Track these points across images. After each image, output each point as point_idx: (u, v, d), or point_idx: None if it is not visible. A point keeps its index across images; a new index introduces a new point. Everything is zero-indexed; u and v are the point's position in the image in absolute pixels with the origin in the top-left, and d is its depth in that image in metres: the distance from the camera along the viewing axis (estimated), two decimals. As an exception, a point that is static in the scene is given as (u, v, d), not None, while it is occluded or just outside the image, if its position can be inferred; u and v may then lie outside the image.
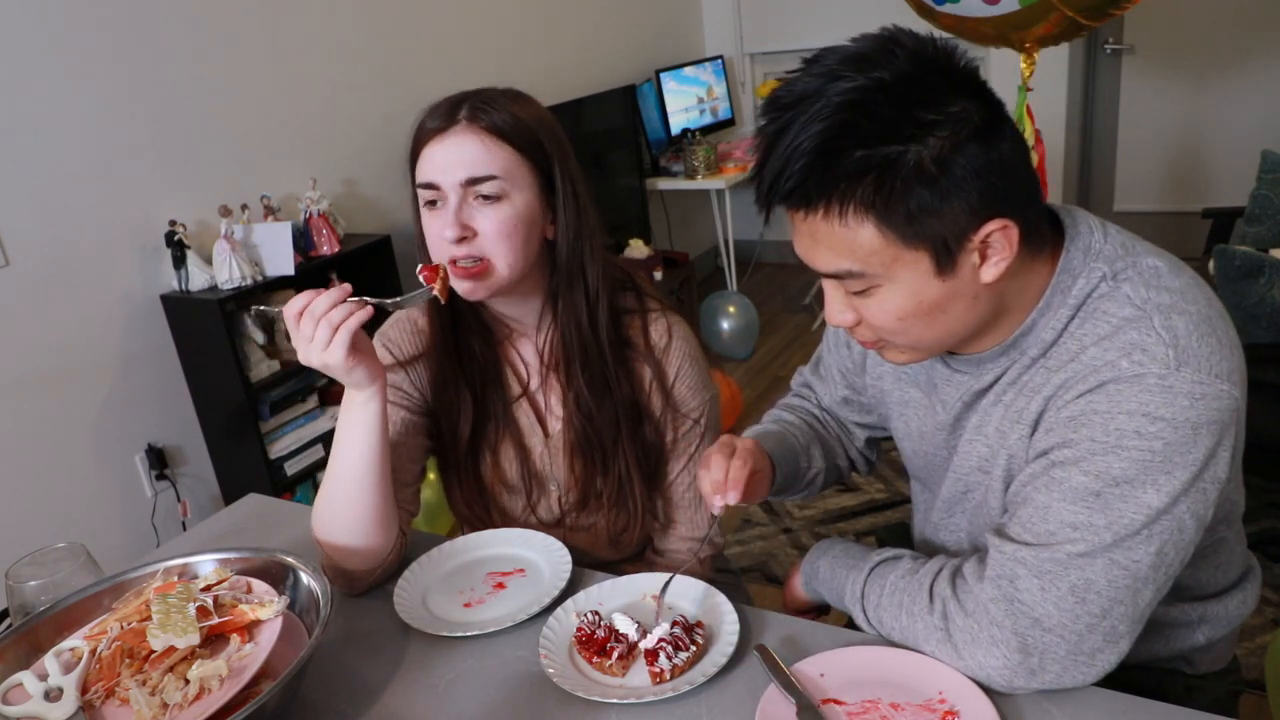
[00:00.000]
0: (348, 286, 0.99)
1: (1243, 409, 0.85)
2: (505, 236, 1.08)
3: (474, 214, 1.07)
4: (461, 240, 1.06)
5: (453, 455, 1.24)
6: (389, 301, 1.04)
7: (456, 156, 1.06)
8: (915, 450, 1.10)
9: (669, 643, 0.94)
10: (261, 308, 1.19)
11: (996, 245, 0.81)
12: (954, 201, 0.77)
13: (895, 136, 0.76)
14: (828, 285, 0.88)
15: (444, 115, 1.08)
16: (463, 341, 1.20)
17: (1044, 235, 0.88)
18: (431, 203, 1.08)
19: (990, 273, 0.82)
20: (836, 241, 0.80)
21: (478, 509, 1.27)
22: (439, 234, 1.07)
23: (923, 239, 0.79)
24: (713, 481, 1.00)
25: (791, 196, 0.80)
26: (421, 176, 1.08)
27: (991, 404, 0.95)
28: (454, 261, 1.07)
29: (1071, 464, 0.82)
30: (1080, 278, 0.87)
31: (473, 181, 1.06)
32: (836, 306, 0.88)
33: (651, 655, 0.94)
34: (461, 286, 1.09)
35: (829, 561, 1.05)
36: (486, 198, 1.07)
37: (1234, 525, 1.01)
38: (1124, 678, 1.05)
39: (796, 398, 1.31)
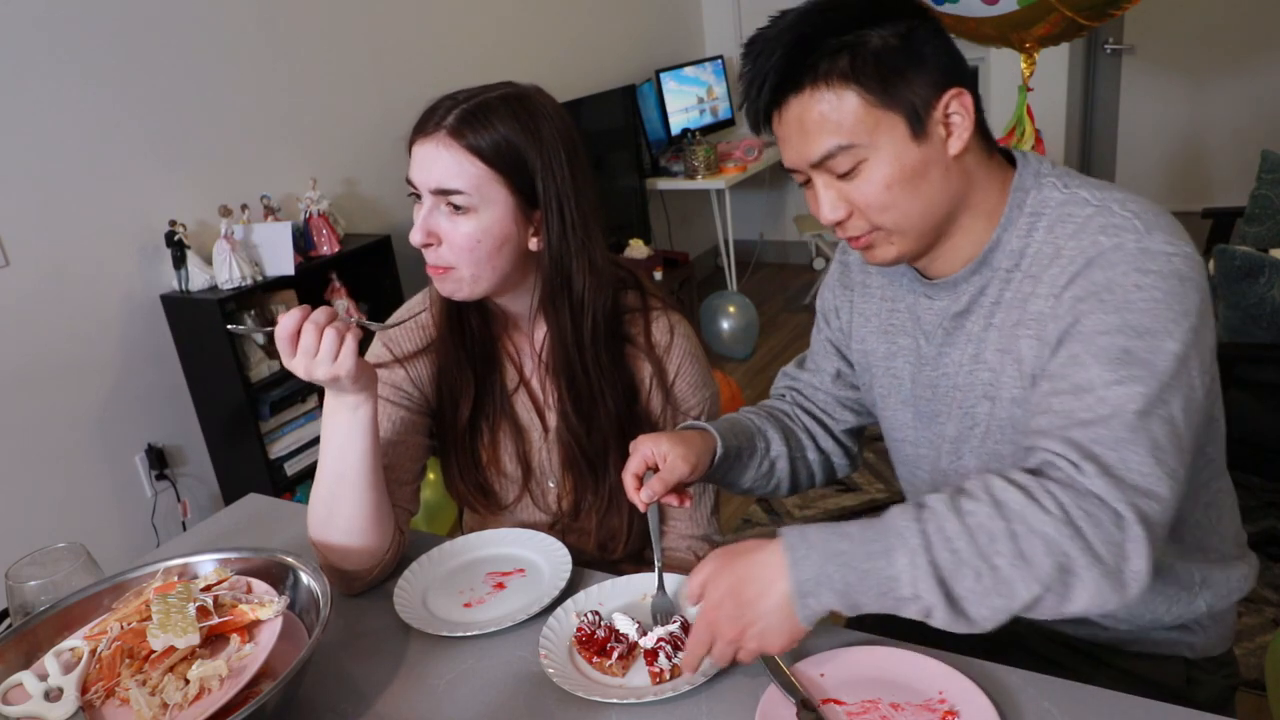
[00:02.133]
0: (333, 309, 1.01)
1: (1206, 276, 0.90)
2: (468, 249, 1.09)
3: (441, 221, 1.08)
4: (427, 245, 1.09)
5: (451, 433, 1.24)
6: (375, 325, 1.08)
7: (431, 164, 1.07)
8: (911, 399, 1.10)
9: (668, 642, 0.94)
10: (237, 326, 1.17)
11: (957, 117, 0.92)
12: (918, 70, 0.90)
13: (859, 24, 0.89)
14: (818, 183, 0.95)
15: (432, 118, 1.08)
16: (465, 321, 1.20)
17: (995, 149, 0.99)
18: (415, 196, 1.11)
19: (955, 144, 0.92)
20: (823, 120, 0.90)
21: (471, 488, 1.26)
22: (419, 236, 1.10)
23: (897, 102, 0.89)
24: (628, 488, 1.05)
25: (781, 84, 0.91)
26: (409, 172, 1.10)
27: (982, 329, 0.99)
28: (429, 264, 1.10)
29: (1092, 335, 0.85)
30: (1032, 191, 0.96)
31: (441, 192, 1.07)
32: (829, 202, 0.95)
33: (651, 655, 0.94)
34: (439, 285, 1.12)
35: (830, 570, 0.82)
36: (456, 208, 1.08)
37: (1219, 450, 1.02)
38: (1126, 665, 1.06)
39: (776, 398, 1.31)
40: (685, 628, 0.96)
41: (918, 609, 0.79)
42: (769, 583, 0.82)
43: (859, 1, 0.91)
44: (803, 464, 1.23)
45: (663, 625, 0.98)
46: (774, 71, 0.91)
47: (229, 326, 1.25)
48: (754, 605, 0.82)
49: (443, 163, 1.06)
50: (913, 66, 0.89)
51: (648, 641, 0.95)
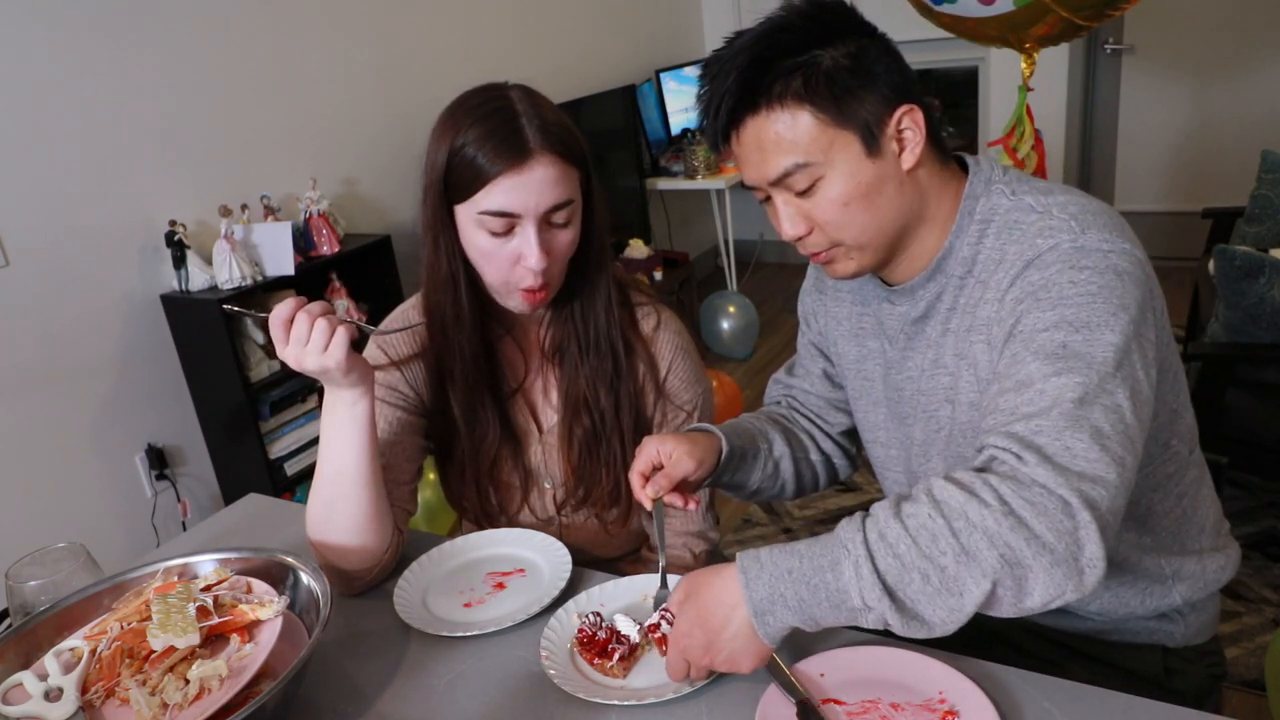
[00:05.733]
0: (329, 304, 1.01)
1: (1152, 274, 0.91)
2: (567, 258, 1.12)
3: (545, 239, 1.07)
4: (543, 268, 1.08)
5: (448, 451, 1.24)
6: (371, 328, 1.09)
7: (539, 186, 1.05)
8: (884, 401, 1.12)
9: (667, 613, 0.94)
10: (232, 307, 1.14)
11: (909, 132, 0.94)
12: (869, 88, 0.92)
13: (810, 45, 0.92)
14: (778, 201, 0.97)
15: (515, 144, 1.04)
16: (457, 338, 1.19)
17: (949, 158, 1.01)
18: (501, 230, 1.06)
19: (909, 159, 0.94)
20: (780, 139, 0.92)
21: (474, 504, 1.27)
22: (510, 262, 1.07)
23: (850, 120, 0.92)
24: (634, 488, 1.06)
25: (737, 106, 0.93)
26: (494, 205, 1.05)
27: (940, 334, 1.01)
28: (525, 289, 1.09)
29: (1031, 333, 0.86)
30: (982, 199, 0.98)
31: (555, 209, 1.07)
32: (788, 219, 0.97)
33: (653, 628, 0.96)
34: (521, 308, 1.13)
35: (782, 588, 0.81)
36: (559, 224, 1.08)
37: (1187, 443, 1.03)
38: (1102, 654, 1.07)
39: (772, 405, 1.32)
40: None
41: (873, 618, 0.78)
42: (730, 608, 0.84)
43: (809, 24, 0.93)
44: (806, 465, 1.24)
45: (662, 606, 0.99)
46: (729, 94, 0.93)
47: (224, 306, 1.25)
48: (720, 633, 0.84)
49: (550, 179, 1.05)
50: (864, 85, 0.91)
51: (650, 619, 0.98)
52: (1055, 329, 0.84)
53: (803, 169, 0.93)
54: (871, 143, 0.93)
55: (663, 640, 0.95)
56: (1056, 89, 4.11)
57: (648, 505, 1.04)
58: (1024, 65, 2.99)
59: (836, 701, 0.87)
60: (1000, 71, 4.08)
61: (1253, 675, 1.95)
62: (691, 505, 1.08)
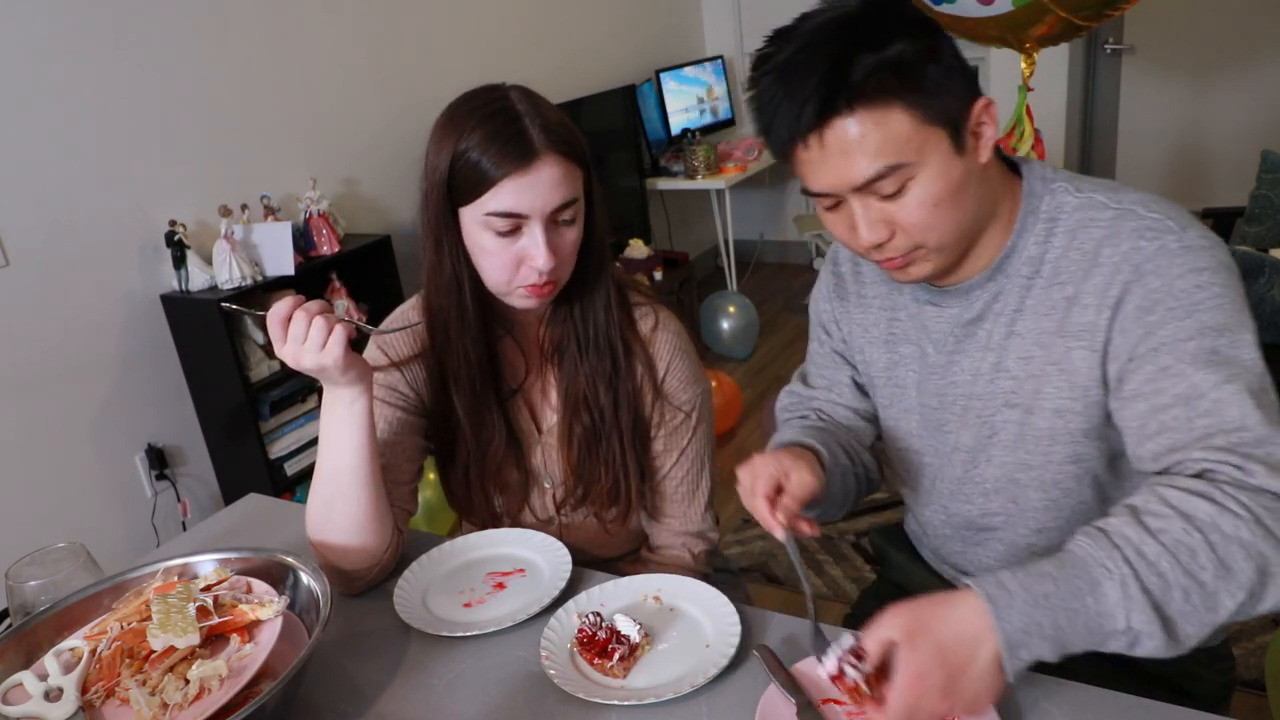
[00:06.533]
0: (327, 303, 1.01)
1: None
2: (573, 255, 1.11)
3: (551, 238, 1.07)
4: (550, 267, 1.07)
5: (450, 454, 1.24)
6: (370, 328, 1.08)
7: (546, 186, 1.05)
8: (917, 408, 1.08)
9: (850, 655, 0.80)
10: (231, 305, 1.16)
11: (986, 126, 0.91)
12: (953, 81, 0.88)
13: (887, 38, 0.85)
14: (856, 206, 0.90)
15: (520, 145, 1.03)
16: (456, 338, 1.19)
17: (1000, 156, 0.98)
18: (507, 230, 1.06)
19: (985, 152, 0.91)
20: (871, 140, 0.86)
21: (480, 507, 1.27)
22: (515, 262, 1.07)
23: (940, 117, 0.87)
24: (761, 518, 0.94)
25: (824, 107, 0.85)
26: (501, 206, 1.04)
27: (1003, 337, 0.98)
28: (530, 285, 1.09)
29: (1175, 343, 0.85)
30: (1045, 197, 0.96)
31: (561, 208, 1.07)
32: (869, 225, 0.91)
33: (837, 677, 0.80)
34: (526, 303, 1.12)
35: (1038, 616, 0.74)
36: (565, 222, 1.08)
37: None
38: (1125, 659, 1.05)
39: (796, 419, 1.20)
40: (856, 647, 0.80)
41: (1125, 641, 0.74)
42: (976, 642, 0.73)
43: (878, 14, 0.87)
44: (853, 478, 1.15)
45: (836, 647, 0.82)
46: (814, 95, 0.85)
47: (223, 304, 1.24)
48: (965, 672, 0.73)
49: (555, 178, 1.05)
50: (948, 78, 0.87)
51: (829, 666, 0.80)
52: (1200, 336, 0.83)
53: (895, 171, 0.87)
54: (958, 139, 0.89)
55: (855, 690, 0.78)
56: (1056, 89, 4.11)
57: (779, 534, 0.93)
58: (1024, 65, 2.99)
59: (836, 702, 0.87)
60: (1000, 71, 4.08)
61: (1253, 675, 1.95)
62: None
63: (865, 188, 0.88)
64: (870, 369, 1.14)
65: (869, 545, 2.55)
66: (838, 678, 0.79)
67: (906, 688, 0.73)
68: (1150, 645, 0.74)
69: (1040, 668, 0.90)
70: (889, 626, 0.76)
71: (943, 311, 1.03)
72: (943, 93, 0.87)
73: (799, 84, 0.86)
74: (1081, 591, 0.73)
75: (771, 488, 0.93)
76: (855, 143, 0.86)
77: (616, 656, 0.94)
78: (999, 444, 1.02)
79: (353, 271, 2.80)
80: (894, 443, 1.15)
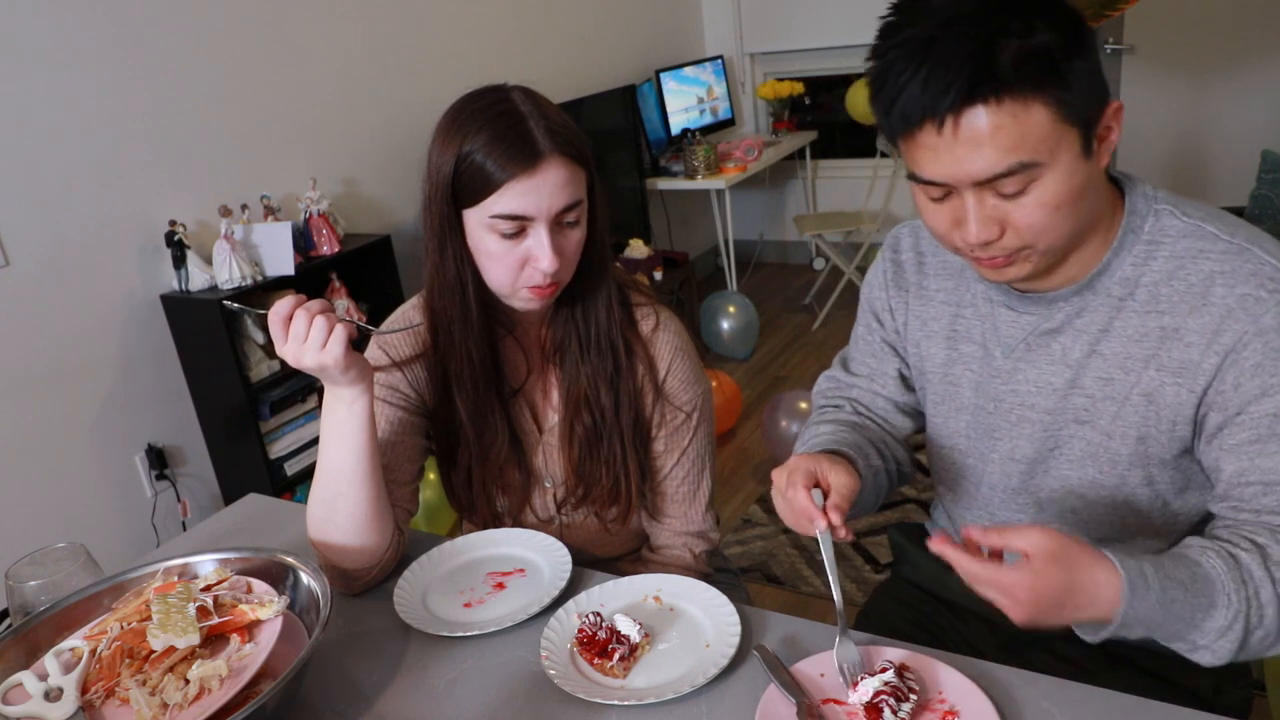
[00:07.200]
0: (329, 303, 1.01)
1: None
2: (577, 256, 1.12)
3: (556, 240, 1.07)
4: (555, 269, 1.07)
5: (451, 455, 1.24)
6: (370, 327, 1.08)
7: (551, 189, 1.05)
8: (970, 409, 1.06)
9: (889, 694, 0.82)
10: (232, 304, 1.16)
11: (1114, 127, 0.86)
12: (1094, 76, 0.83)
13: (1033, 27, 0.80)
14: (969, 200, 0.86)
15: (525, 147, 1.03)
16: (460, 340, 1.19)
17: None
18: (512, 233, 1.06)
19: (1105, 155, 0.87)
20: (1007, 134, 0.81)
21: (482, 508, 1.27)
22: (519, 263, 1.07)
23: (1076, 116, 0.82)
24: (799, 514, 0.93)
25: (971, 92, 0.80)
26: (507, 209, 1.05)
27: (1084, 354, 0.95)
28: (534, 286, 1.09)
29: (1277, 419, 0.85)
30: (1149, 218, 0.92)
31: (566, 210, 1.07)
32: (981, 222, 0.86)
33: (873, 712, 0.82)
34: (529, 304, 1.12)
35: (1158, 615, 0.81)
36: (570, 224, 1.08)
37: None
38: (1152, 666, 1.04)
39: (831, 408, 1.19)
40: (900, 673, 0.85)
41: (1185, 647, 0.83)
42: (1094, 604, 0.78)
43: (1031, 2, 0.81)
44: (884, 475, 1.12)
45: (868, 676, 0.85)
46: (960, 76, 0.79)
47: (224, 302, 1.24)
48: (1071, 613, 0.79)
49: (560, 181, 1.05)
50: (1087, 77, 0.82)
51: (864, 694, 0.83)
52: None
53: (1024, 170, 0.82)
54: (1087, 141, 0.84)
55: (876, 715, 0.82)
56: (1056, 89, 4.11)
57: (819, 525, 0.89)
58: (1024, 65, 2.98)
59: (836, 701, 0.87)
60: (1000, 71, 4.08)
61: (1253, 675, 1.94)
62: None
63: (987, 183, 0.84)
64: (925, 364, 1.11)
65: (868, 546, 2.56)
66: (874, 712, 0.82)
67: (1031, 583, 0.77)
68: (1207, 658, 0.81)
69: (1046, 668, 0.90)
70: (1031, 541, 0.78)
71: (1019, 317, 1.00)
72: (1083, 91, 0.82)
73: (940, 63, 0.80)
74: (1200, 608, 0.80)
75: (811, 481, 0.92)
76: (989, 134, 0.81)
77: (616, 656, 0.94)
78: (1063, 458, 1.00)
79: (353, 271, 2.80)
80: (938, 440, 1.13)
